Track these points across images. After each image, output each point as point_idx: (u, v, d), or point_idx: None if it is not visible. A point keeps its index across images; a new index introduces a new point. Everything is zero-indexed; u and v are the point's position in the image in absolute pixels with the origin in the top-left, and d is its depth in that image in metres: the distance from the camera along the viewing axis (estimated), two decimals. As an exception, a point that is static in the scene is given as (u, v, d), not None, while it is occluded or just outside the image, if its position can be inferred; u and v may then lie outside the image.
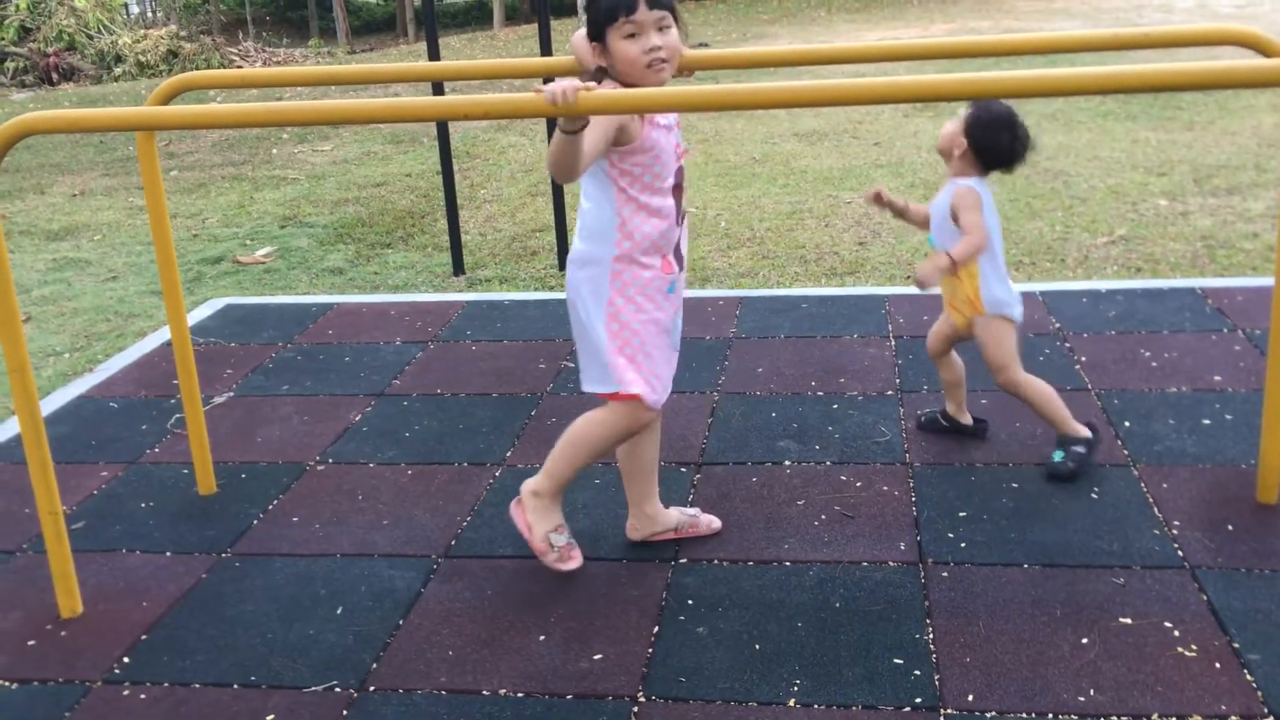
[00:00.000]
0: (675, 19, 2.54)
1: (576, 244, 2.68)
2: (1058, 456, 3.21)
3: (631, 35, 2.47)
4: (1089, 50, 2.97)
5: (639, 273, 2.63)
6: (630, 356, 2.64)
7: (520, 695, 2.41)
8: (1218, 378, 3.81)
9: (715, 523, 3.02)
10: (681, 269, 2.73)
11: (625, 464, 2.91)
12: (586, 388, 2.71)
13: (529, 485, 2.81)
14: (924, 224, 3.32)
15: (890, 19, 19.12)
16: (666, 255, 2.66)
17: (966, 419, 3.48)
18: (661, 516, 2.97)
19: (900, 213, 3.34)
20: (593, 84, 2.35)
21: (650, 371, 2.67)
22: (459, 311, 5.01)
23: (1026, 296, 4.70)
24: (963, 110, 3.18)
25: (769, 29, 18.95)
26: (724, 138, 9.10)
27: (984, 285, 3.19)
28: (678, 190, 2.68)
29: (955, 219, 3.14)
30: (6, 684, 2.56)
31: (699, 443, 3.56)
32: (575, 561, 2.80)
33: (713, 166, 8.02)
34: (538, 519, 2.79)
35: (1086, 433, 3.22)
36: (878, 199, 3.27)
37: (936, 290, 3.27)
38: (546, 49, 5.54)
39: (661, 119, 2.60)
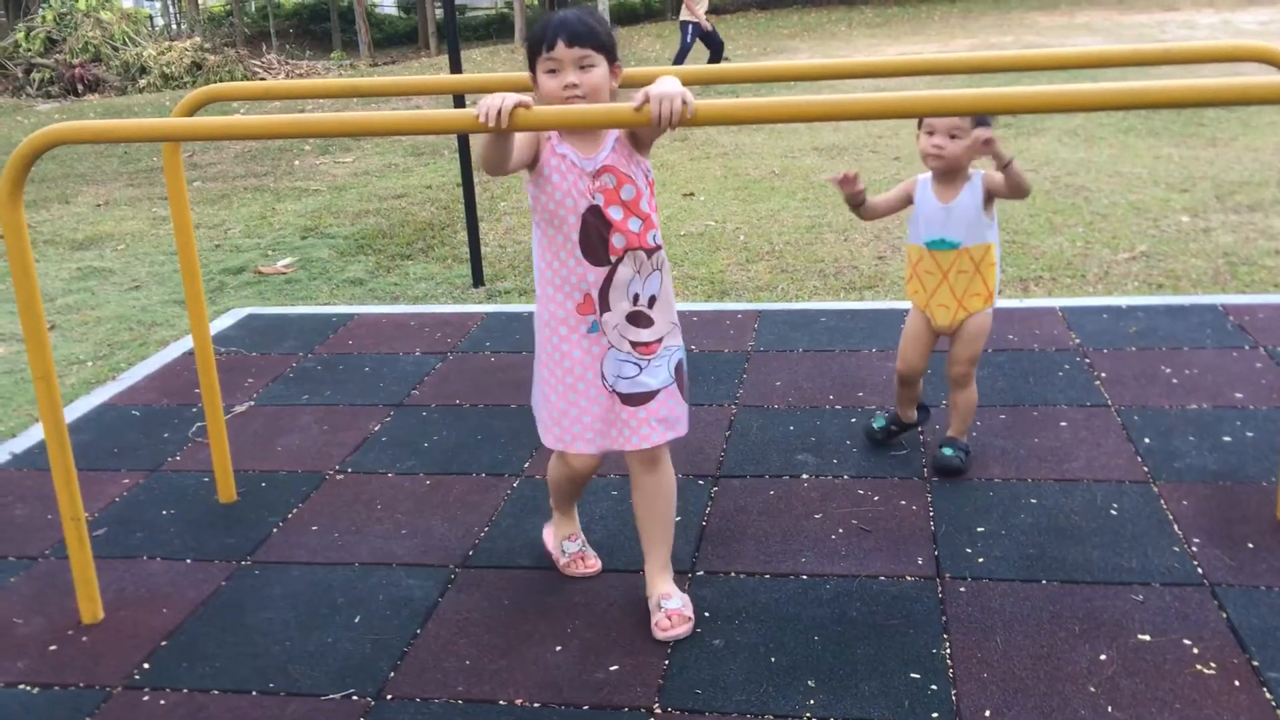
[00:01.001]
0: (607, 57, 2.50)
1: None
2: (949, 451, 3.35)
3: (551, 71, 2.48)
4: (1110, 66, 2.98)
5: (553, 309, 2.59)
6: (540, 398, 2.68)
7: (537, 705, 2.42)
8: (1239, 395, 3.79)
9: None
10: (608, 311, 2.55)
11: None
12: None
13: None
14: (881, 215, 3.35)
15: (911, 34, 19.13)
16: (586, 294, 2.55)
17: (915, 413, 3.55)
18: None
19: (858, 204, 3.26)
20: (529, 99, 2.33)
21: (548, 417, 2.65)
22: (478, 323, 5.03)
23: (1047, 311, 4.71)
24: (956, 125, 3.09)
25: (789, 43, 18.99)
26: (744, 152, 9.12)
27: (997, 277, 3.27)
28: (597, 232, 2.51)
29: (986, 205, 3.17)
30: (28, 688, 2.58)
31: (717, 455, 3.56)
32: (583, 568, 2.90)
33: (732, 180, 8.04)
34: (552, 530, 3.01)
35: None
36: (847, 181, 3.19)
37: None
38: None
39: (569, 153, 2.50)
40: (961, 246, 3.20)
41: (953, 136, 3.09)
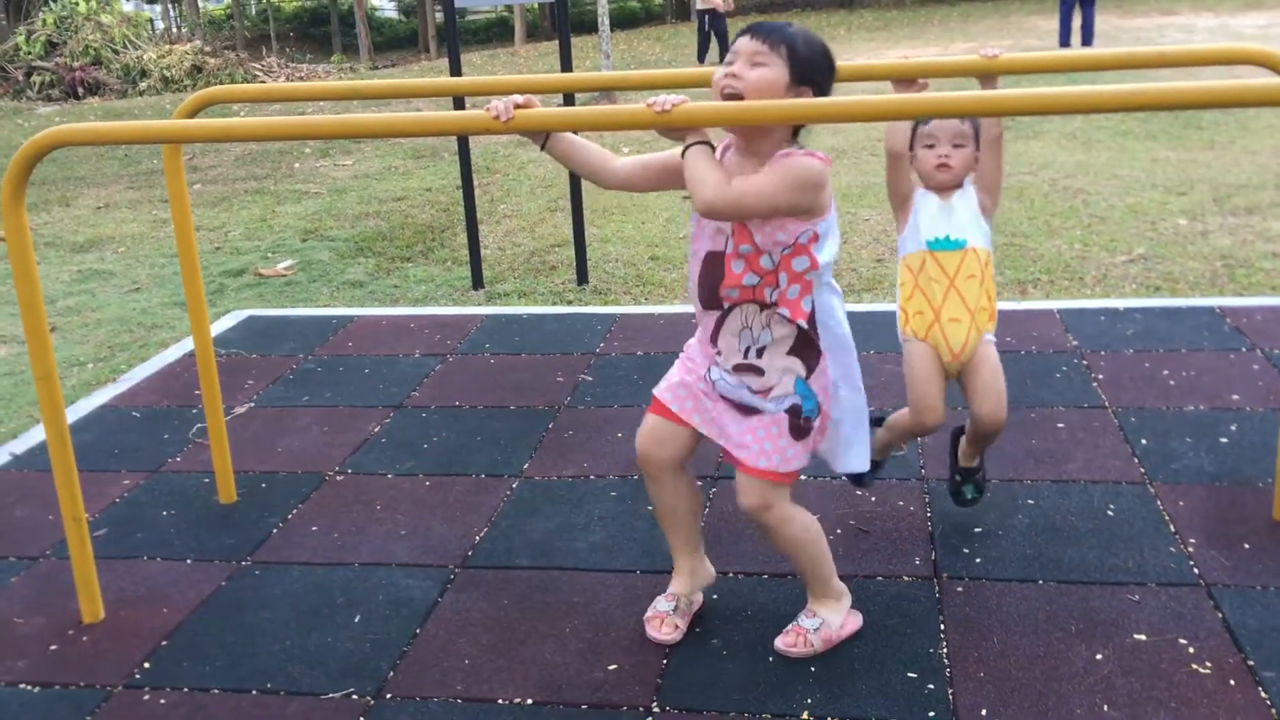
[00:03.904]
0: (793, 72, 2.29)
1: None
2: (971, 493, 3.09)
3: (729, 62, 2.34)
4: (1107, 69, 2.99)
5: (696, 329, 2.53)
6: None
7: (535, 704, 2.43)
8: (1236, 396, 3.80)
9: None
10: (720, 360, 2.45)
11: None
12: None
13: None
14: (894, 166, 2.93)
15: (910, 37, 19.15)
16: (706, 325, 2.46)
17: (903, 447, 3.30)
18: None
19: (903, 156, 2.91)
20: (534, 99, 2.34)
21: (662, 390, 2.57)
22: (478, 325, 5.04)
23: (1045, 314, 4.73)
24: (959, 131, 2.87)
25: (789, 47, 18.99)
26: (743, 154, 9.13)
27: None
28: (711, 277, 2.40)
29: (981, 210, 2.91)
30: (29, 687, 2.59)
31: (715, 456, 3.57)
32: (656, 631, 2.63)
33: (731, 183, 8.05)
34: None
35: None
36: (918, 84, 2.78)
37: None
38: (567, 65, 5.59)
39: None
40: (968, 246, 2.87)
41: (958, 146, 2.84)
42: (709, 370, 2.48)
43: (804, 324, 2.40)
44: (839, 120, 2.36)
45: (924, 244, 2.90)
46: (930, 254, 2.89)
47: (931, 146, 2.86)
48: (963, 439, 3.11)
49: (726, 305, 2.40)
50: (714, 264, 2.38)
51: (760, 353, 2.41)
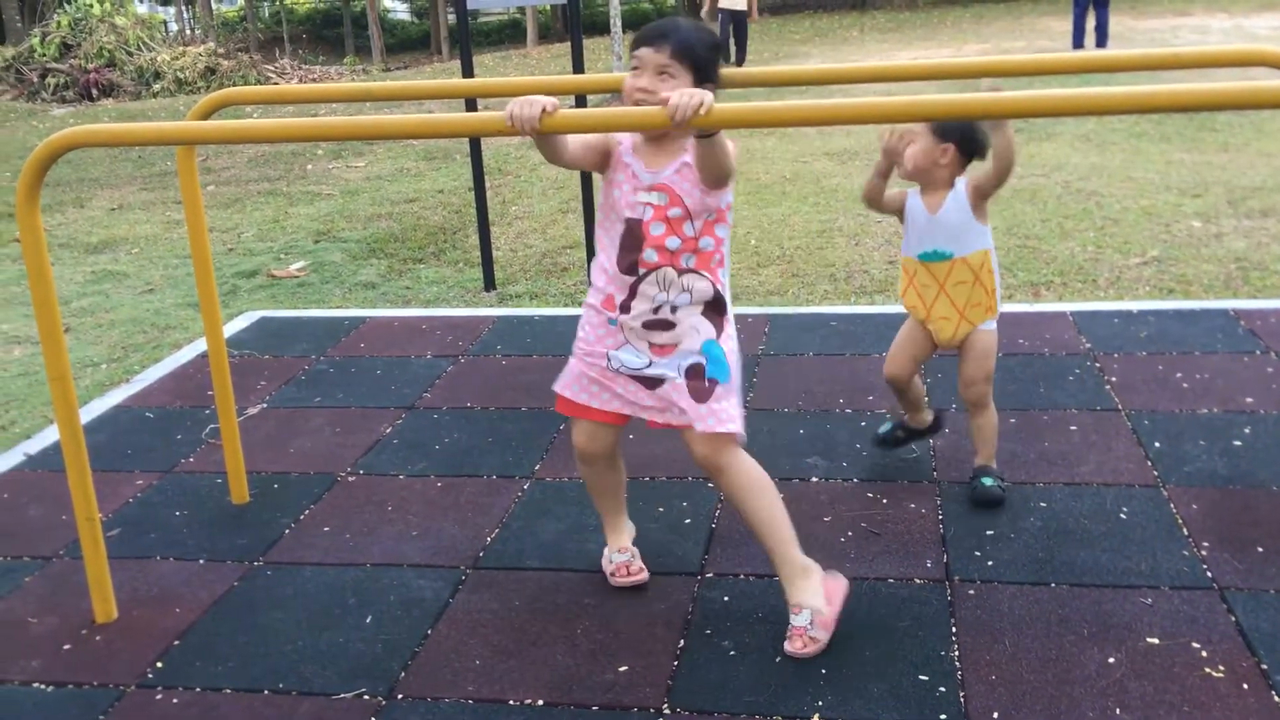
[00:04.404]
0: (695, 73, 2.48)
1: None
2: (989, 481, 3.19)
3: (634, 69, 2.53)
4: (1120, 70, 2.99)
5: (591, 294, 2.68)
6: (562, 382, 2.74)
7: (546, 705, 2.43)
8: (1249, 399, 3.78)
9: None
10: (627, 313, 2.60)
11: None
12: None
13: None
14: (882, 206, 3.22)
15: (923, 39, 19.12)
16: (611, 295, 2.61)
17: (928, 417, 3.48)
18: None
19: (883, 177, 3.17)
20: (557, 103, 2.36)
21: (565, 385, 2.72)
22: (489, 326, 5.05)
23: (1058, 316, 4.71)
24: (912, 131, 3.07)
25: (801, 48, 19.00)
26: (755, 156, 9.13)
27: (998, 285, 3.17)
28: (633, 243, 2.57)
29: (975, 211, 3.07)
30: (42, 687, 2.61)
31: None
32: (625, 578, 2.86)
33: (743, 185, 8.05)
34: (606, 546, 2.97)
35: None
36: (893, 151, 3.09)
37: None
38: (579, 67, 5.59)
39: (633, 163, 2.56)
40: (955, 257, 3.09)
41: (909, 143, 3.08)
42: (608, 357, 2.64)
43: (719, 287, 2.61)
44: (852, 122, 2.36)
45: (915, 255, 3.16)
46: (921, 265, 3.16)
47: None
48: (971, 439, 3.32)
49: (643, 271, 2.57)
50: (633, 231, 2.57)
51: (674, 310, 2.59)
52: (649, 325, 2.59)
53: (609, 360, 2.65)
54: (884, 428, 3.56)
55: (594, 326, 2.67)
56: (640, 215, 2.55)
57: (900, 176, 3.13)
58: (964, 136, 3.04)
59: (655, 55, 2.47)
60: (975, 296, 3.14)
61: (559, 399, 2.75)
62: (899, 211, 3.22)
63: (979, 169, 3.07)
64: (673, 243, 2.55)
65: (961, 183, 3.10)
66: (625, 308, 2.60)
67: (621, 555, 2.91)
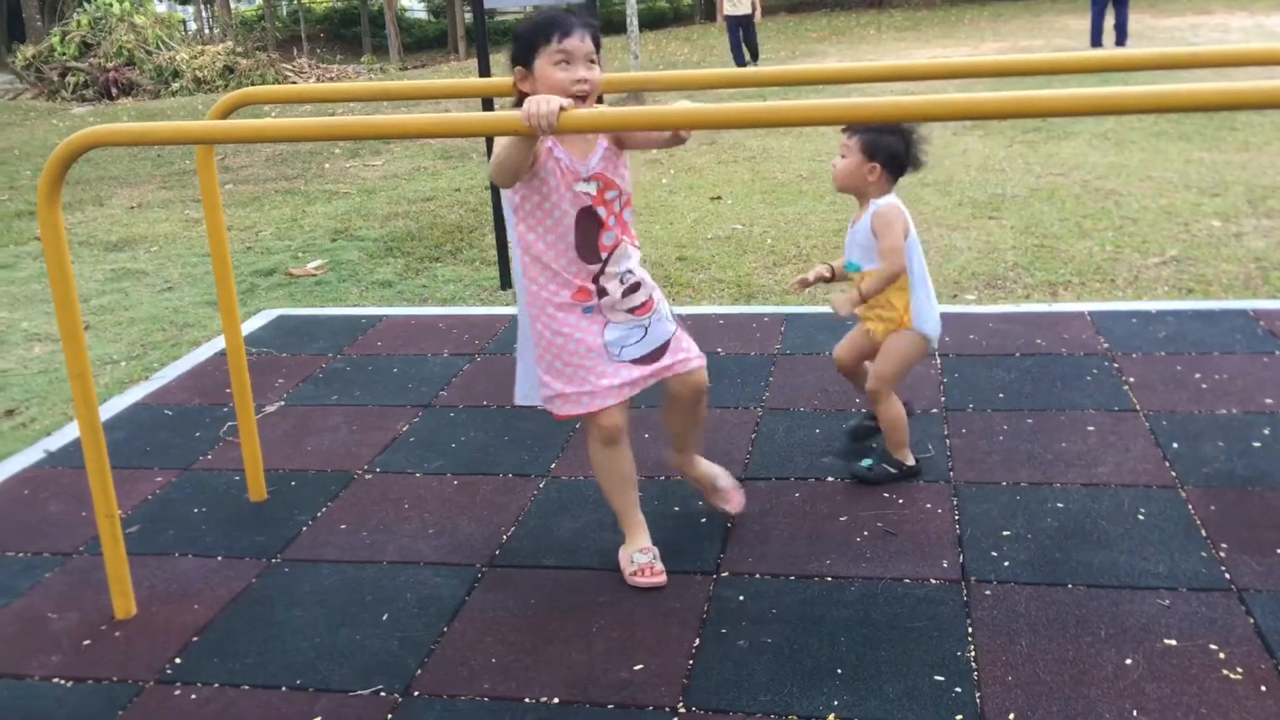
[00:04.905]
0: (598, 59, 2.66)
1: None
2: (867, 463, 3.35)
3: (563, 63, 2.58)
4: (1139, 70, 2.97)
5: (547, 296, 2.74)
6: (547, 376, 2.79)
7: (561, 703, 2.44)
8: (1269, 400, 3.76)
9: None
10: (605, 295, 2.75)
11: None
12: (523, 401, 2.93)
13: None
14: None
15: (940, 37, 19.06)
16: (582, 286, 2.73)
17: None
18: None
19: (831, 279, 3.40)
20: (569, 103, 2.38)
21: (562, 388, 2.76)
22: (506, 325, 5.06)
23: (1075, 316, 4.69)
24: (845, 143, 3.18)
25: (818, 47, 18.96)
26: (771, 155, 9.12)
27: (914, 302, 3.25)
28: (590, 232, 2.71)
29: (877, 237, 3.22)
30: (62, 682, 2.63)
31: (742, 457, 3.57)
32: (649, 578, 2.86)
33: (760, 184, 8.04)
34: (624, 546, 2.97)
35: (911, 463, 3.35)
36: (803, 284, 3.38)
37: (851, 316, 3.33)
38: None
39: (564, 157, 2.66)
40: (861, 269, 3.26)
41: (842, 156, 3.19)
42: (606, 349, 2.75)
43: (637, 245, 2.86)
44: (869, 121, 2.36)
45: (844, 263, 3.37)
46: (847, 272, 3.37)
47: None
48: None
49: (604, 254, 2.73)
50: (590, 219, 2.71)
51: (632, 273, 2.79)
52: (625, 294, 2.77)
53: (607, 349, 2.76)
54: (852, 421, 3.63)
55: (574, 326, 2.74)
56: (588, 204, 2.70)
57: (834, 188, 3.29)
58: (890, 155, 3.16)
59: (582, 45, 2.60)
60: (881, 310, 3.27)
61: (594, 405, 2.78)
62: None
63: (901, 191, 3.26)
64: (617, 221, 2.76)
65: (874, 206, 3.20)
66: (601, 292, 2.75)
67: (644, 556, 2.89)
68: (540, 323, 2.77)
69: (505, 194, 2.75)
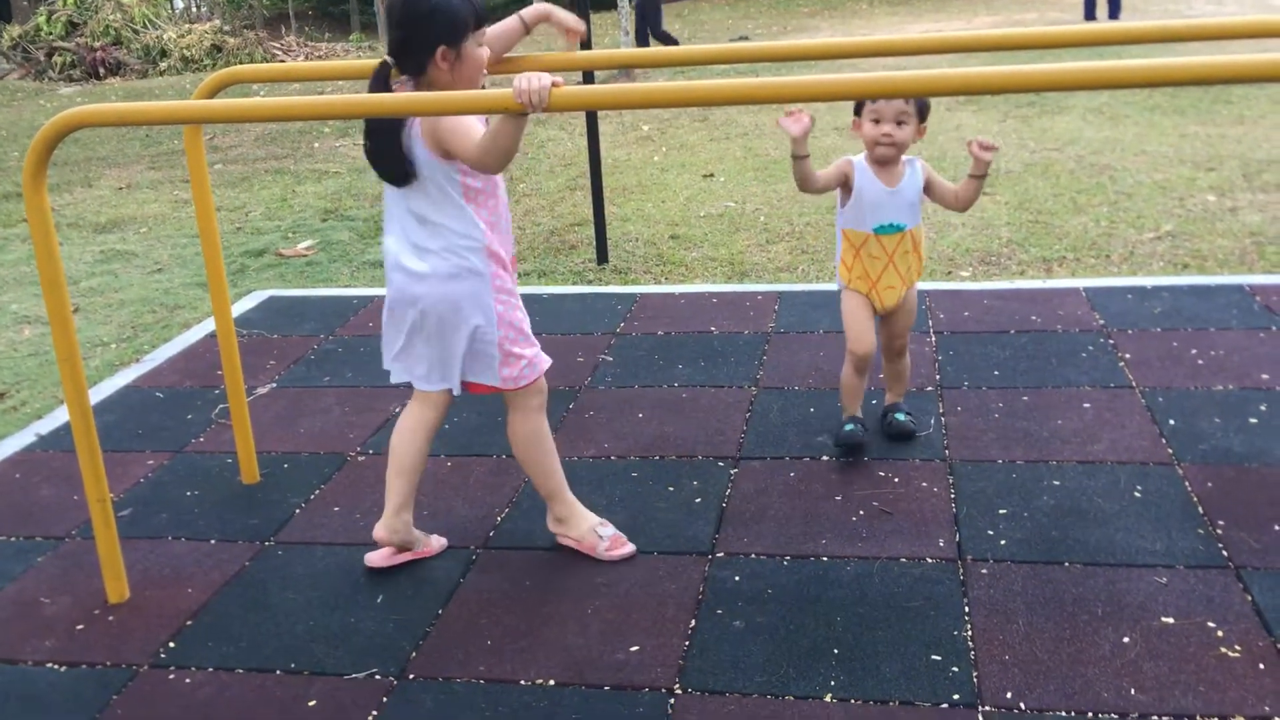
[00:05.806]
0: None
1: (435, 259, 2.71)
2: (903, 416, 3.46)
3: (482, 45, 2.67)
4: (1134, 43, 2.94)
5: (502, 281, 2.78)
6: (525, 343, 2.83)
7: (557, 685, 2.43)
8: (1265, 376, 3.75)
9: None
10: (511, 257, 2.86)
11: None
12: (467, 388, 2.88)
13: (549, 522, 3.00)
14: (817, 188, 3.25)
15: (933, 11, 18.98)
16: (509, 257, 2.82)
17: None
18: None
19: (803, 154, 3.14)
20: (560, 80, 2.37)
21: (530, 356, 2.83)
22: (499, 304, 5.03)
23: (1070, 292, 4.68)
24: (903, 110, 3.13)
25: (809, 21, 18.87)
26: (763, 132, 9.08)
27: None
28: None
29: (928, 192, 3.28)
30: (55, 667, 2.61)
31: (736, 437, 3.56)
32: (623, 548, 2.90)
33: (752, 160, 8.01)
34: (574, 526, 2.93)
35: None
36: (796, 119, 3.05)
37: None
38: (586, 43, 5.54)
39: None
40: (907, 229, 3.25)
41: (900, 123, 3.14)
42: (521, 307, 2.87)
43: None
44: (863, 97, 2.33)
45: (870, 228, 3.25)
46: (875, 236, 3.26)
47: (877, 122, 3.16)
48: (884, 378, 3.59)
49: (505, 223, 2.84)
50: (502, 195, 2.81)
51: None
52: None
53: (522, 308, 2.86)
54: (848, 426, 3.36)
55: (511, 292, 2.81)
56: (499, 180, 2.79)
57: (882, 156, 3.20)
58: (926, 110, 3.24)
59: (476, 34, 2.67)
60: (914, 263, 3.32)
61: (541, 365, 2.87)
62: (840, 186, 3.30)
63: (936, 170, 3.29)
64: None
65: (918, 163, 3.27)
66: (513, 259, 2.86)
67: (606, 528, 2.94)
68: (502, 309, 2.77)
69: (460, 181, 2.66)
